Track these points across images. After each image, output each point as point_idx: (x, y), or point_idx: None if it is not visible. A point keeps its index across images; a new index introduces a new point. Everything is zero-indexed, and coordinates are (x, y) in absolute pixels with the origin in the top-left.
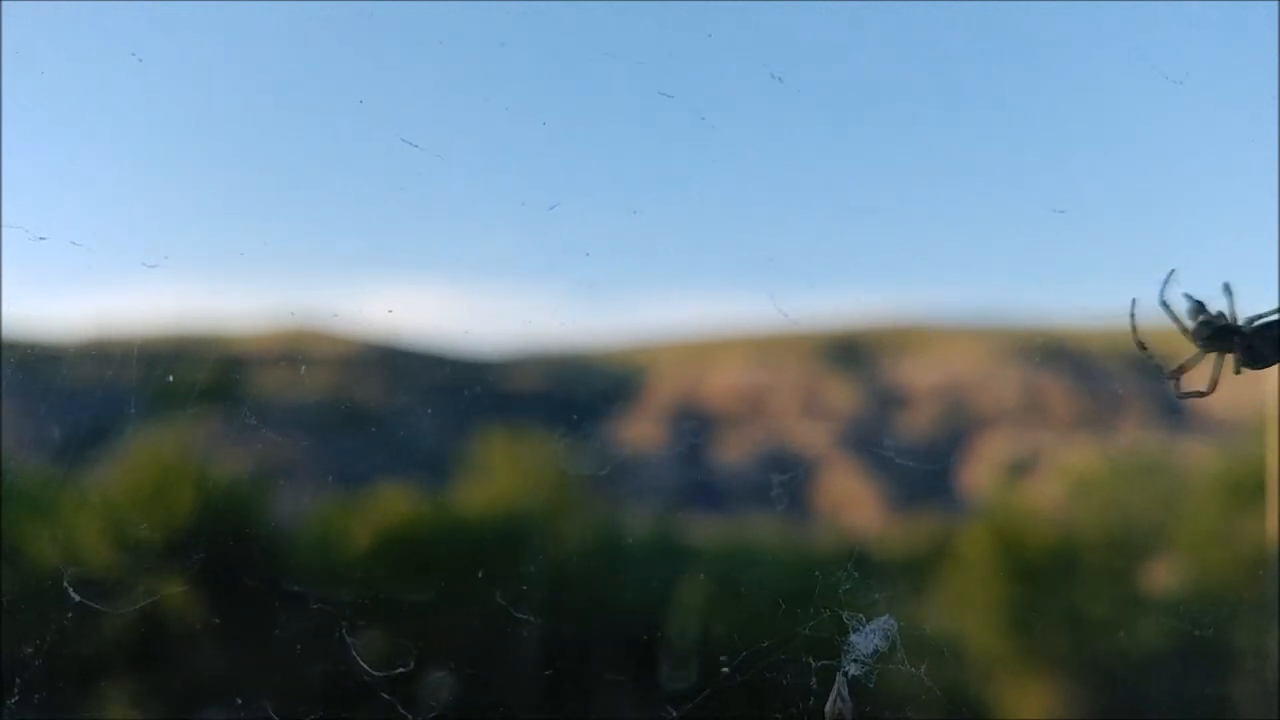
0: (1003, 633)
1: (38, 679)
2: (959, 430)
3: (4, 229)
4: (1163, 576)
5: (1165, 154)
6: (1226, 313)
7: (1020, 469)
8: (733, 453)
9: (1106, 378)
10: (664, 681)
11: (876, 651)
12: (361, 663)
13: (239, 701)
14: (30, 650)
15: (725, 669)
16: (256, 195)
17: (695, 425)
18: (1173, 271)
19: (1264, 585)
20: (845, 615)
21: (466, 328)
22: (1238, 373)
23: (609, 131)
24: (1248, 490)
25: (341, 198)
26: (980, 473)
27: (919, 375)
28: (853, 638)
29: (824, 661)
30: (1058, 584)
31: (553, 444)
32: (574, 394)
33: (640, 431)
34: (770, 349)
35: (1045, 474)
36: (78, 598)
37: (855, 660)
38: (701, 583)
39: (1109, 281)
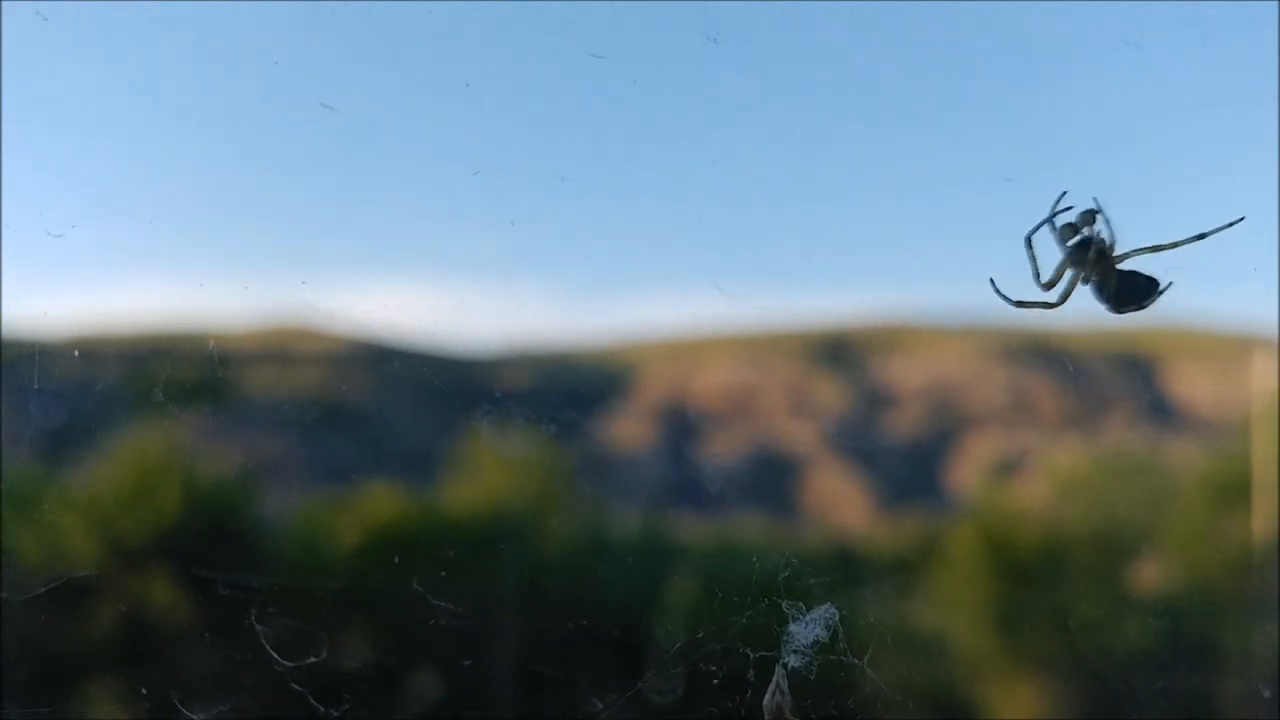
0: (989, 632)
1: (30, 679)
2: (946, 430)
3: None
4: (1149, 576)
5: (1163, 154)
6: (1109, 238)
7: (1008, 469)
8: (720, 451)
9: (1093, 378)
10: (647, 688)
11: (817, 642)
12: (270, 651)
13: (224, 697)
14: (23, 650)
15: (715, 680)
16: (244, 193)
17: (683, 423)
18: (1063, 194)
19: (1251, 584)
20: (785, 604)
21: (454, 325)
22: (1085, 283)
23: (602, 130)
24: (1234, 490)
25: (328, 196)
26: (968, 472)
27: (907, 375)
28: (792, 627)
29: (762, 653)
30: (1045, 583)
31: (540, 442)
32: (561, 392)
33: (627, 430)
34: (758, 348)
35: (1032, 474)
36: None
37: (795, 651)
38: (681, 581)
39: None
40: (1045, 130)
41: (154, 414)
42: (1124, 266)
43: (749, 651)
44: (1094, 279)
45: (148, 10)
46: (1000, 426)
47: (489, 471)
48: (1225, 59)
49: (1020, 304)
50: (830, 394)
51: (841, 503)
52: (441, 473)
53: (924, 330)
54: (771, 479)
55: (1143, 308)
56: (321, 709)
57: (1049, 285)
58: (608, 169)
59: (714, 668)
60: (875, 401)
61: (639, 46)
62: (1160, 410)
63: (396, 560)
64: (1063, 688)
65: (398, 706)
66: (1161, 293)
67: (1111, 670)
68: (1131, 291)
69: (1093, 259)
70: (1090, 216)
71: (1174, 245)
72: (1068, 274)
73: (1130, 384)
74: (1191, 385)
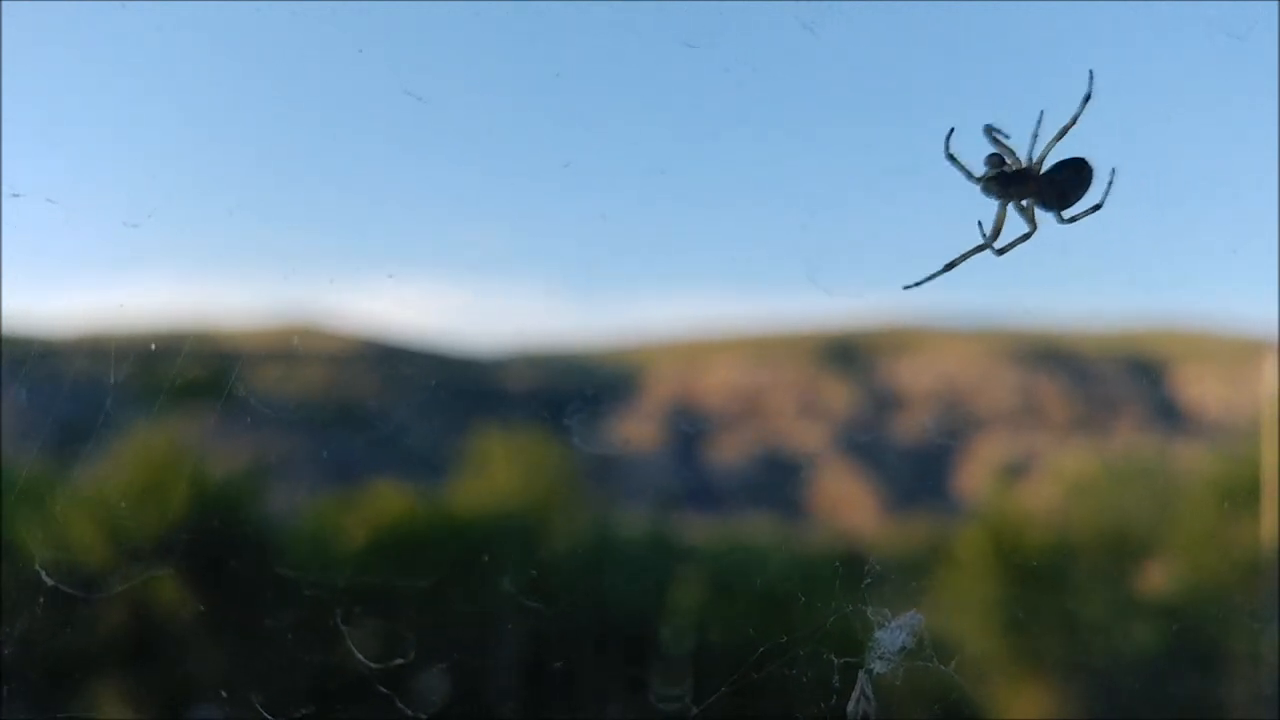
0: (998, 634)
1: (32, 673)
2: (955, 432)
3: (2, 222)
4: (1157, 579)
5: (1164, 155)
6: (1024, 155)
7: (1016, 471)
8: (728, 453)
9: (1101, 380)
10: (658, 685)
11: (904, 649)
12: (359, 655)
13: (233, 695)
14: (24, 645)
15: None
16: (254, 192)
17: (691, 422)
18: (952, 130)
19: (1258, 587)
20: (870, 611)
21: (462, 325)
22: (1032, 224)
23: (612, 131)
24: (1242, 493)
25: (339, 194)
26: (976, 474)
27: (915, 377)
28: (878, 634)
29: (847, 659)
30: (1053, 586)
31: (548, 441)
32: (570, 392)
33: (636, 430)
34: (766, 349)
35: (1040, 476)
36: (51, 582)
37: (880, 658)
38: (698, 582)
39: (1104, 285)
40: (1044, 130)
41: (163, 412)
42: (1047, 168)
43: (833, 657)
44: (1030, 199)
45: (156, 9)
46: (1008, 429)
47: (497, 471)
48: (1225, 59)
49: (951, 265)
50: (839, 396)
51: (849, 504)
52: (450, 472)
53: (932, 332)
54: (779, 480)
55: (1087, 190)
56: (329, 705)
57: (996, 234)
58: (616, 170)
59: (797, 672)
60: (883, 403)
61: (646, 49)
62: (1168, 413)
63: (404, 558)
64: (1070, 690)
65: (406, 703)
66: (1093, 171)
67: (1119, 672)
68: (1068, 183)
69: (1013, 181)
70: (996, 159)
71: (1073, 122)
72: (1008, 211)
73: (1138, 387)
74: (1200, 389)
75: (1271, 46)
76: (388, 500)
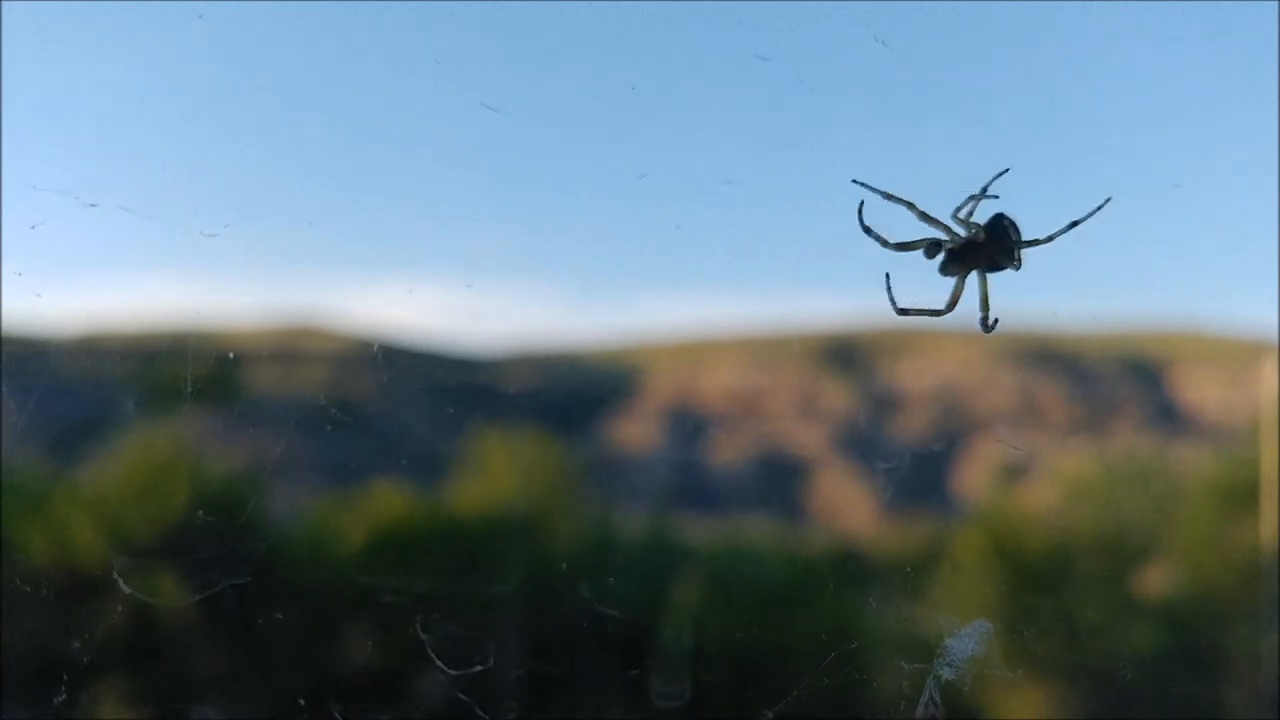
0: (996, 636)
1: (35, 676)
2: (954, 433)
3: (4, 223)
4: (1157, 581)
5: (1163, 155)
6: (954, 223)
7: (1015, 473)
8: (728, 454)
9: (1101, 382)
10: (657, 688)
11: (973, 656)
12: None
13: (233, 696)
14: (24, 645)
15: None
16: (254, 192)
17: (691, 424)
18: (863, 203)
19: (1258, 589)
20: (941, 619)
21: (462, 325)
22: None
23: (608, 130)
24: (1242, 495)
25: (337, 195)
26: (975, 476)
27: (914, 378)
28: (948, 642)
29: (915, 665)
30: (1052, 588)
31: (548, 442)
32: (569, 393)
33: (635, 431)
34: (766, 350)
35: (1040, 478)
36: (51, 583)
37: (949, 664)
38: (698, 583)
39: (1104, 287)
40: (1044, 133)
41: (161, 412)
42: (978, 231)
43: (903, 663)
44: (983, 265)
45: (159, 10)
46: (1008, 430)
47: (496, 471)
48: (1225, 59)
49: (904, 311)
50: (838, 397)
51: (848, 506)
52: (448, 473)
53: (932, 334)
54: (779, 481)
55: (1015, 238)
56: (328, 707)
57: (952, 305)
58: (614, 169)
59: (864, 677)
60: (883, 405)
61: (646, 49)
62: (1168, 415)
63: (403, 559)
64: (1069, 692)
65: (405, 705)
66: (1010, 225)
67: (1118, 675)
68: (1000, 237)
69: (967, 253)
70: (935, 246)
71: (1049, 239)
72: (957, 283)
73: (1138, 388)
74: (1200, 390)
75: (1271, 47)
76: (387, 501)
